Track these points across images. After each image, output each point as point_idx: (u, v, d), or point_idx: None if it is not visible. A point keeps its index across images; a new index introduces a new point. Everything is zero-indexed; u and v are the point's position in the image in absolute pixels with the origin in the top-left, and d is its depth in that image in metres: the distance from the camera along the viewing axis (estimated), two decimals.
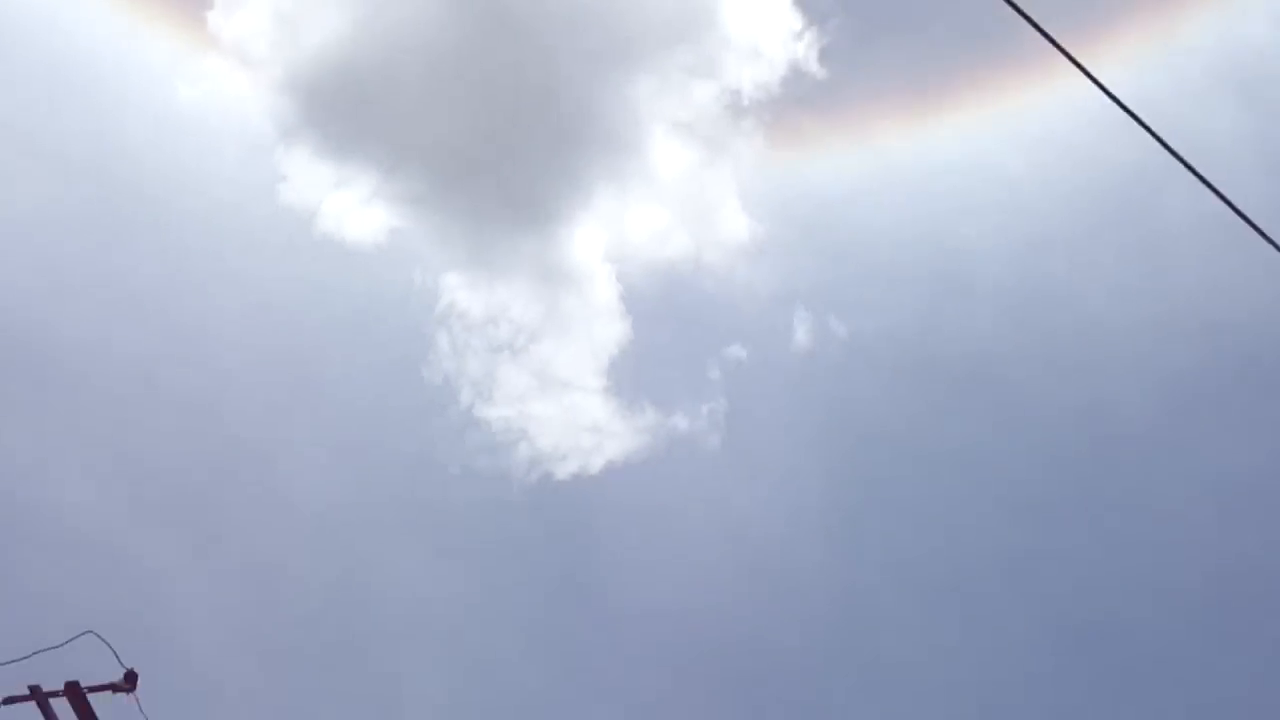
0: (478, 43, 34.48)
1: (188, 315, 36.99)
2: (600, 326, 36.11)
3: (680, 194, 37.62)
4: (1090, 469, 38.32)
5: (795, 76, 35.82)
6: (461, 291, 36.38)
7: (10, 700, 12.96)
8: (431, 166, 36.27)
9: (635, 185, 37.16)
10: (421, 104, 35.44)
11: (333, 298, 37.69)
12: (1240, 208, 8.28)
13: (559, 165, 36.16)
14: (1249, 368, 37.02)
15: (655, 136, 36.54)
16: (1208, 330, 37.06)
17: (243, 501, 36.46)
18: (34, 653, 13.00)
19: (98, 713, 13.05)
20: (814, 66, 35.45)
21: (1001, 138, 36.27)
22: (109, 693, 13.04)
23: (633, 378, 36.49)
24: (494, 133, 35.39)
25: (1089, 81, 8.49)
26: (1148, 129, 7.38)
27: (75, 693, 12.97)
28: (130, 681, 13.04)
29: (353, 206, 35.61)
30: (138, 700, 13.09)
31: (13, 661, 12.96)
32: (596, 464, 35.27)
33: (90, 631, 13.01)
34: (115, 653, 13.01)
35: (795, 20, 35.72)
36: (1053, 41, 7.53)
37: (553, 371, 36.05)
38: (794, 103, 36.54)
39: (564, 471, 35.22)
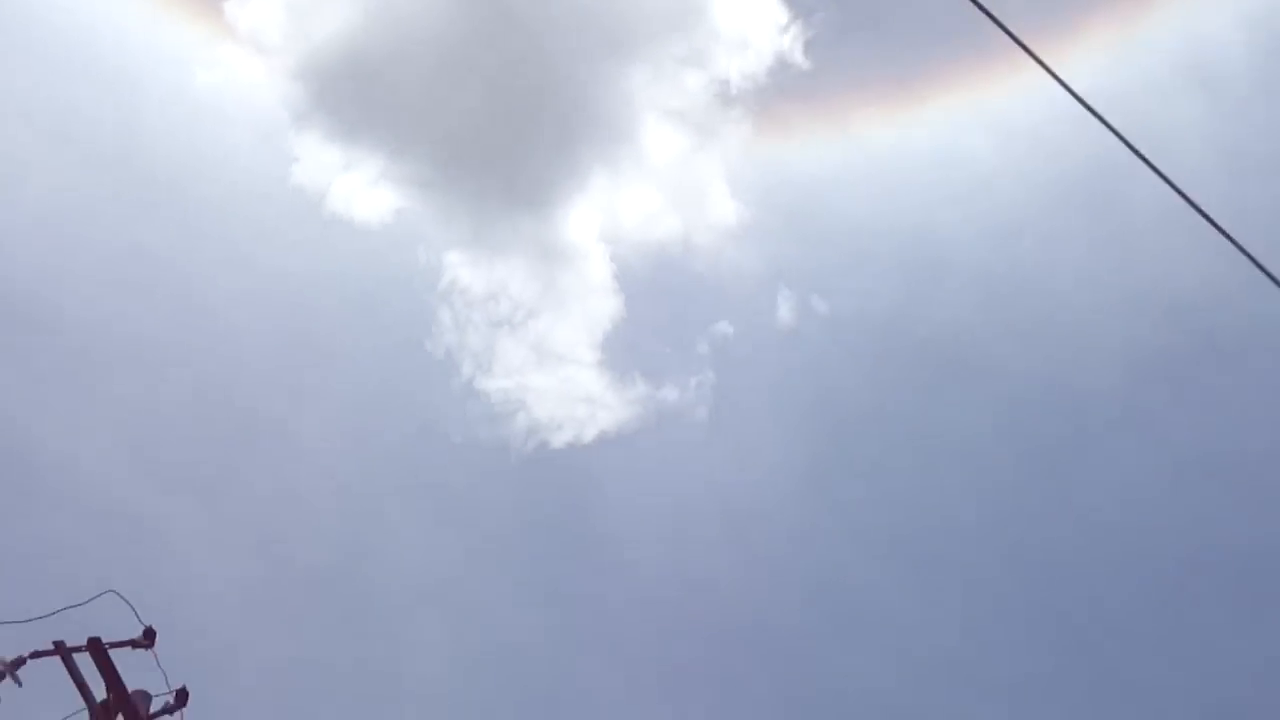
0: (480, 34, 34.47)
1: (204, 290, 37.01)
2: (594, 303, 36.15)
3: (671, 178, 37.66)
4: (1056, 440, 38.48)
5: (781, 67, 35.84)
6: (463, 269, 36.42)
7: (36, 655, 12.99)
8: (436, 151, 36.28)
9: (628, 170, 37.18)
10: (426, 92, 35.40)
11: (341, 274, 37.72)
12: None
13: (556, 150, 36.16)
14: (1205, 346, 37.19)
15: (648, 124, 36.55)
16: (1168, 311, 37.18)
17: (256, 467, 36.54)
18: (58, 610, 13.04)
19: (118, 667, 13.12)
20: (799, 58, 35.47)
21: (975, 128, 36.31)
22: (129, 648, 13.09)
23: (625, 352, 36.57)
24: (495, 119, 35.36)
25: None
26: (1107, 124, 7.42)
27: (97, 648, 13.01)
28: (149, 638, 13.10)
29: (361, 188, 35.63)
30: (156, 655, 13.16)
31: (38, 618, 12.99)
32: (590, 433, 35.36)
33: (111, 591, 13.07)
34: (135, 611, 13.07)
35: (781, 14, 35.78)
36: (1019, 43, 7.55)
37: (549, 345, 36.09)
38: (780, 92, 36.55)
39: (560, 440, 35.30)
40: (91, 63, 36.99)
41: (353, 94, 35.67)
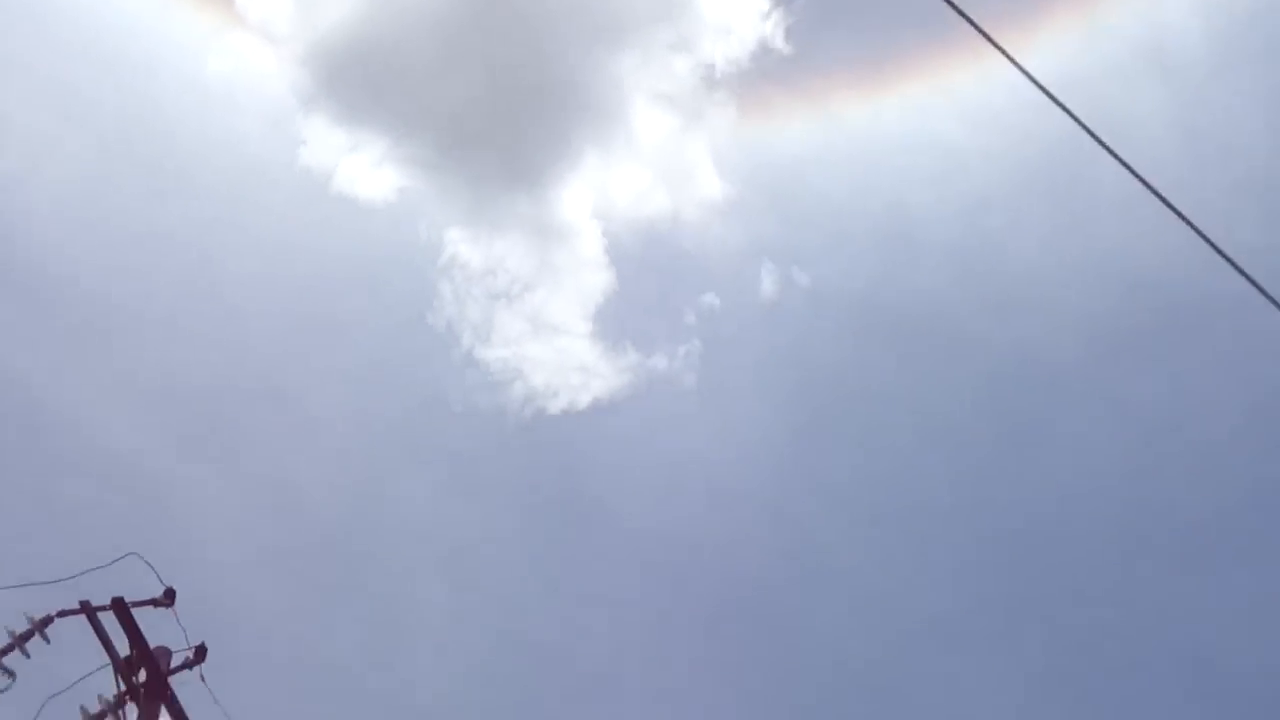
0: (479, 23, 34.36)
1: (217, 265, 36.96)
2: (587, 277, 36.12)
3: (660, 158, 37.60)
4: (1021, 404, 38.65)
5: (764, 52, 35.76)
6: (463, 245, 36.38)
7: (63, 613, 13.03)
8: (437, 133, 36.18)
9: (619, 150, 37.12)
10: (428, 77, 35.31)
11: (347, 251, 37.65)
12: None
13: (551, 132, 36.09)
14: (1159, 314, 37.29)
15: (637, 106, 36.48)
16: (1127, 286, 37.31)
17: (268, 434, 36.54)
18: (83, 572, 13.07)
19: (140, 625, 13.15)
20: (780, 44, 35.39)
21: (946, 110, 36.25)
22: (150, 607, 13.12)
23: (616, 322, 36.56)
24: (493, 102, 35.28)
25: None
26: (1069, 112, 7.41)
27: (120, 607, 13.05)
28: (169, 597, 13.13)
29: (365, 168, 35.54)
30: (175, 614, 13.19)
31: (65, 580, 13.02)
32: (584, 400, 35.38)
33: (133, 554, 13.09)
34: (156, 572, 13.10)
35: (763, 1, 35.66)
36: (983, 33, 7.53)
37: (545, 317, 36.07)
38: (762, 76, 36.50)
39: (555, 407, 35.33)
40: (110, 51, 36.86)
41: (358, 80, 35.59)
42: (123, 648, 13.05)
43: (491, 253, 36.12)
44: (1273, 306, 7.27)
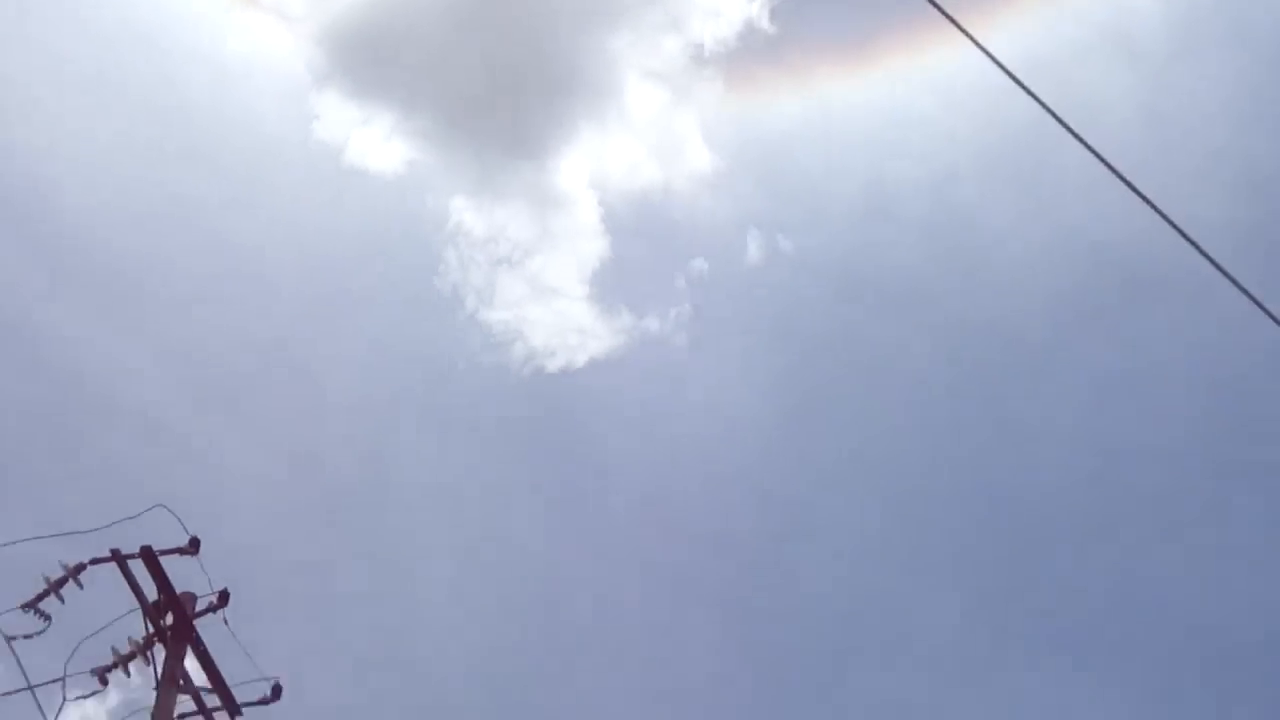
0: (483, 4, 34.24)
1: (237, 234, 36.83)
2: (584, 243, 36.04)
3: (652, 132, 37.46)
4: (988, 364, 38.71)
5: (750, 32, 35.57)
6: (467, 213, 36.23)
7: (95, 561, 13.06)
8: (443, 108, 36.08)
9: (614, 124, 36.99)
10: (435, 56, 35.16)
11: (358, 219, 37.53)
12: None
13: (550, 107, 35.95)
14: (1119, 283, 37.30)
15: (631, 83, 36.31)
16: (1087, 251, 37.28)
17: (285, 391, 36.56)
18: (113, 523, 13.09)
19: (167, 572, 13.18)
20: (766, 24, 35.21)
21: (923, 86, 36.08)
22: (176, 555, 13.14)
23: (612, 286, 36.48)
24: (495, 79, 35.13)
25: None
26: (1032, 95, 7.40)
27: (149, 555, 13.07)
28: (194, 546, 13.13)
29: (375, 142, 35.38)
30: (200, 561, 13.22)
31: (96, 530, 13.05)
32: (581, 359, 35.35)
33: (161, 505, 13.10)
34: (182, 522, 13.11)
35: None
36: (953, 21, 7.51)
37: (544, 281, 36.00)
38: (749, 55, 36.32)
39: (554, 366, 35.30)
40: (134, 33, 36.72)
41: (368, 58, 35.42)
42: (151, 593, 13.09)
43: (494, 221, 36.03)
44: (1228, 280, 7.30)
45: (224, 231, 36.60)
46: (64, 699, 12.52)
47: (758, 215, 37.93)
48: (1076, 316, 37.85)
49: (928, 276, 38.77)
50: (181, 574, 13.18)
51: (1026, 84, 8.10)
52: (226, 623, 13.24)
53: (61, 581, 12.97)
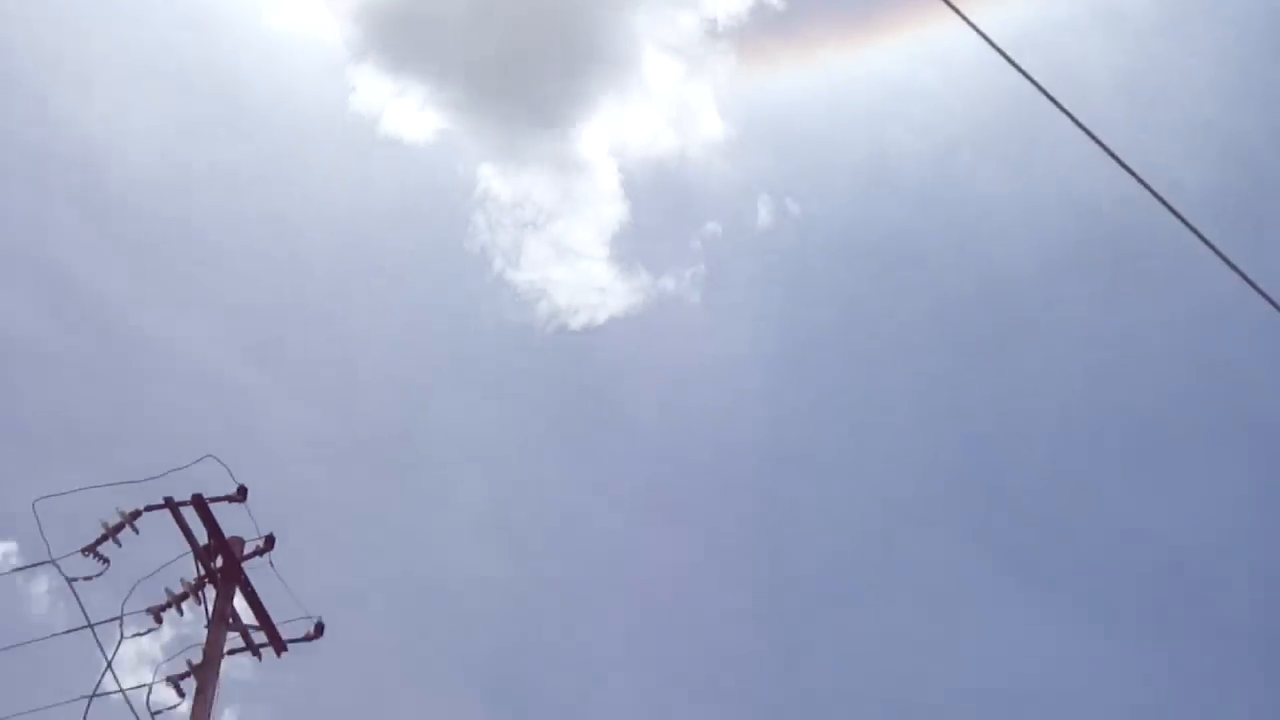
0: None
1: (280, 197, 36.94)
2: (604, 207, 36.02)
3: (668, 102, 37.42)
4: (984, 320, 38.73)
5: (760, 8, 35.53)
6: (494, 180, 36.24)
7: (150, 508, 13.12)
8: (472, 80, 36.03)
9: (632, 95, 36.94)
10: (464, 30, 35.14)
11: (392, 186, 37.57)
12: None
13: (572, 79, 35.89)
14: (1109, 246, 37.15)
15: (648, 56, 36.23)
16: (1076, 212, 37.13)
17: (327, 347, 36.74)
18: (166, 472, 13.16)
19: (216, 518, 13.26)
20: (776, 1, 35.07)
21: (923, 60, 35.88)
22: (225, 502, 13.20)
23: (630, 248, 36.51)
24: (521, 52, 35.07)
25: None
26: (1019, 68, 7.33)
27: (199, 502, 13.14)
28: (242, 494, 13.18)
29: (409, 112, 35.40)
30: (248, 508, 13.29)
31: (150, 479, 13.11)
32: (602, 316, 35.41)
33: (210, 455, 13.15)
34: (230, 471, 13.15)
35: None
36: None
37: (566, 243, 36.01)
38: (760, 29, 36.20)
39: (576, 323, 35.37)
40: (181, 12, 36.85)
41: (402, 33, 35.43)
42: (202, 538, 13.17)
43: (520, 186, 36.01)
44: (1206, 244, 7.25)
45: (267, 197, 36.71)
46: (121, 636, 12.65)
47: (768, 181, 37.88)
48: (1065, 276, 37.81)
49: (926, 238, 38.77)
50: (230, 520, 13.28)
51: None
52: (272, 565, 13.34)
53: (119, 527, 13.05)
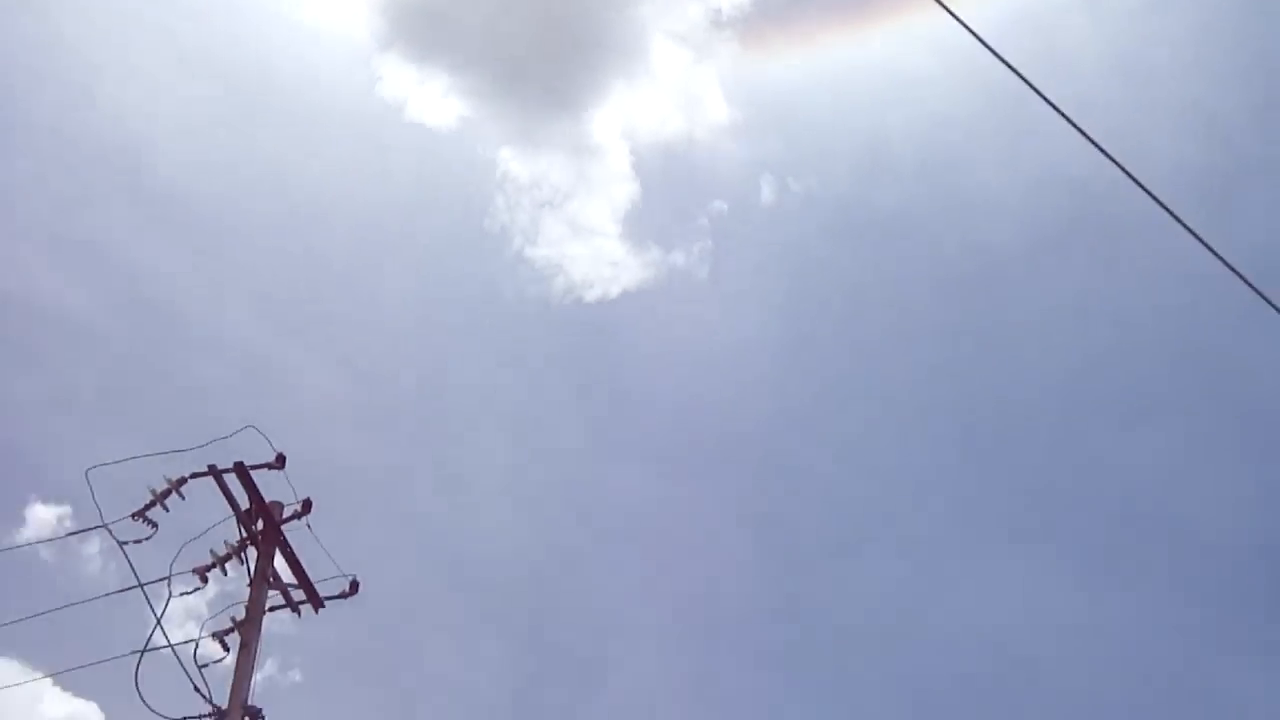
0: None
1: (310, 181, 36.97)
2: (617, 187, 36.00)
3: (676, 88, 37.32)
4: (974, 287, 38.67)
5: None
6: (513, 162, 36.29)
7: (195, 475, 13.18)
8: (491, 69, 36.04)
9: (642, 81, 36.84)
10: (484, 21, 35.05)
11: (417, 168, 37.59)
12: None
13: (585, 66, 35.82)
14: (1092, 216, 37.02)
15: (657, 44, 36.16)
16: (1064, 189, 36.96)
17: (357, 320, 36.80)
18: (210, 441, 13.22)
19: (257, 484, 13.31)
20: None
21: (917, 43, 35.65)
22: (265, 470, 13.25)
23: (641, 225, 36.55)
24: (537, 41, 35.02)
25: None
26: (1002, 59, 7.26)
27: (241, 470, 13.21)
28: (280, 462, 13.24)
29: (432, 99, 35.38)
30: (286, 475, 13.34)
31: (195, 448, 13.17)
32: (615, 290, 35.43)
33: (251, 426, 13.20)
34: (269, 440, 13.20)
35: None
36: None
37: (581, 221, 36.02)
38: (763, 17, 36.11)
39: (591, 297, 35.40)
40: (217, 4, 36.72)
41: (425, 25, 35.39)
42: (243, 503, 13.25)
43: (537, 168, 36.00)
44: (1173, 217, 7.22)
45: (299, 180, 36.73)
46: (169, 595, 12.74)
47: (771, 162, 37.82)
48: (1051, 245, 37.72)
49: (922, 210, 38.66)
50: (270, 486, 13.35)
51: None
52: (309, 528, 13.42)
53: (166, 494, 13.11)
